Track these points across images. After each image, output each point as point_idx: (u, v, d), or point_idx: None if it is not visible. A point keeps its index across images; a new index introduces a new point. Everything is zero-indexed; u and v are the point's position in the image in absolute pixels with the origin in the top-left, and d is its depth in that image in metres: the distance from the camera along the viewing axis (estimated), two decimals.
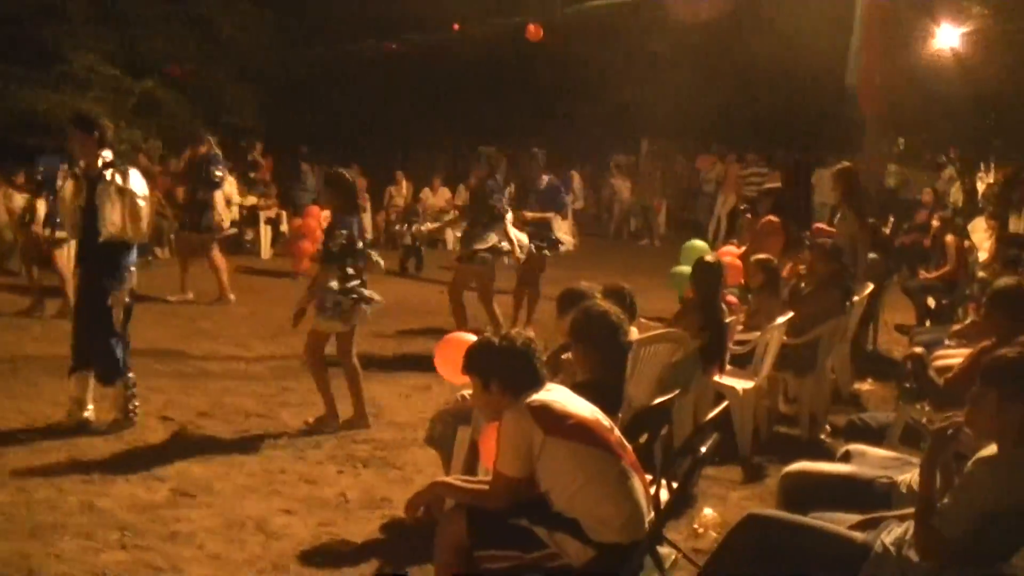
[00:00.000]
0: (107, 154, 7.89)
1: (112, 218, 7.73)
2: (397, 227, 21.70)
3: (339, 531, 6.28)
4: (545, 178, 12.16)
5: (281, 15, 24.61)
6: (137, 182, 7.90)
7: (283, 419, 8.55)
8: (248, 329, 12.16)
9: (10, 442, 7.60)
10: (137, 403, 8.21)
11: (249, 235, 20.24)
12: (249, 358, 10.77)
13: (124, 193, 7.75)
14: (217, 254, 14.09)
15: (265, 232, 20.02)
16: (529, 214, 11.94)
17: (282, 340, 11.22)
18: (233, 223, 18.18)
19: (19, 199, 14.33)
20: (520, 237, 11.38)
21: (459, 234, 11.86)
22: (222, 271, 14.06)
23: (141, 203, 7.87)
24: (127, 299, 8.00)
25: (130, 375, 8.16)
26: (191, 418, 8.50)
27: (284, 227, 20.55)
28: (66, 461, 7.25)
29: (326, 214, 10.91)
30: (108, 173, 7.77)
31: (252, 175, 21.07)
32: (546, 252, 12.08)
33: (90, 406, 8.11)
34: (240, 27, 24.02)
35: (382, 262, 8.95)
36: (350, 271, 8.20)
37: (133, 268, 8.05)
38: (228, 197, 17.19)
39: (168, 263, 14.41)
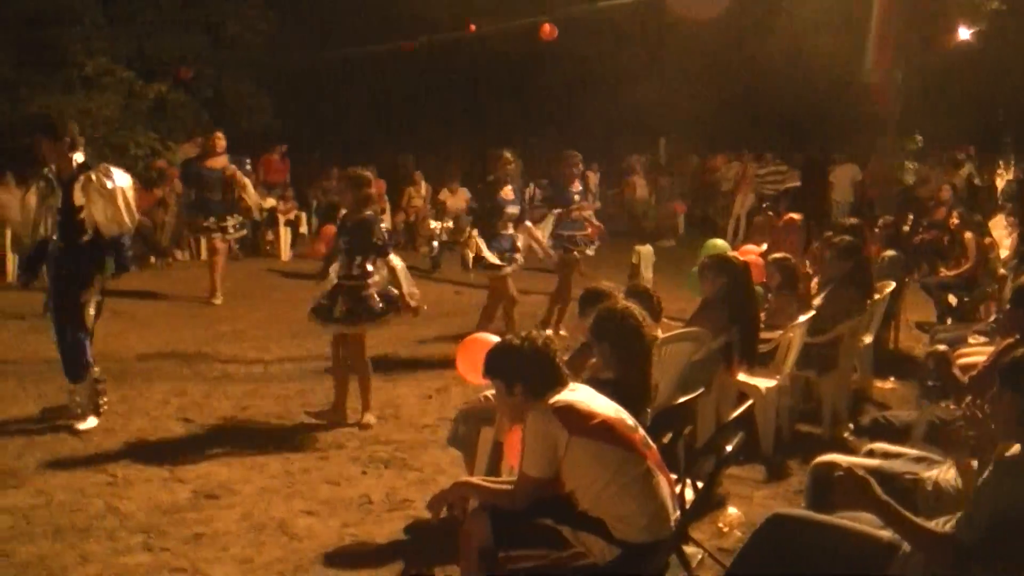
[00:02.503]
0: (78, 156, 8.00)
1: (98, 217, 7.84)
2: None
3: (362, 532, 6.27)
4: (579, 180, 12.16)
5: (292, 17, 24.60)
6: (121, 178, 8.02)
7: (304, 421, 8.55)
8: (268, 332, 12.18)
9: (30, 444, 7.67)
10: (106, 399, 8.35)
11: (269, 237, 20.27)
12: (269, 360, 10.77)
13: (114, 192, 7.86)
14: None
15: (284, 234, 20.05)
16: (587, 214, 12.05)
17: (301, 343, 11.24)
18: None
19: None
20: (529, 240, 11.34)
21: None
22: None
23: (131, 195, 8.02)
24: (97, 297, 8.14)
25: (96, 370, 8.27)
26: (212, 420, 8.55)
27: (303, 229, 20.58)
28: (87, 464, 7.30)
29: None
30: (93, 175, 7.86)
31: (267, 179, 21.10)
32: (576, 255, 12.06)
33: (78, 398, 8.19)
34: (250, 29, 24.04)
35: None
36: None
37: (105, 267, 8.12)
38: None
39: (186, 265, 14.37)
